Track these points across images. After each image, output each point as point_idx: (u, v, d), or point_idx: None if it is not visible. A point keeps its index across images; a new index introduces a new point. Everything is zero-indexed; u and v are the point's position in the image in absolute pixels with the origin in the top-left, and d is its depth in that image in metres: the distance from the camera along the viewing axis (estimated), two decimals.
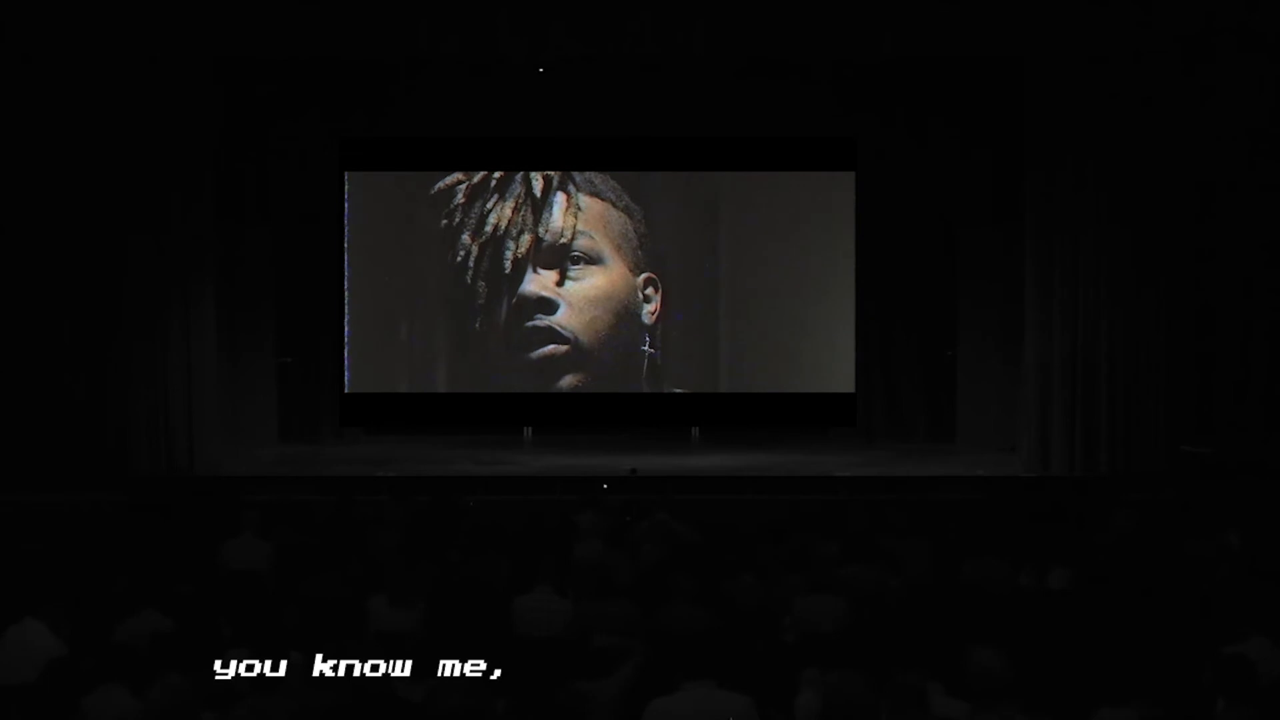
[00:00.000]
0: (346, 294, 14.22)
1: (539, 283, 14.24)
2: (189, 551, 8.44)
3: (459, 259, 14.24)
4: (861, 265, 14.14)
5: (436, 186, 14.25)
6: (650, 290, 14.30)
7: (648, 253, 14.29)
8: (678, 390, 14.34)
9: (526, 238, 14.22)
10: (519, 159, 14.24)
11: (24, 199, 12.02)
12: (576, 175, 14.21)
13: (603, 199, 14.26)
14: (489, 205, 14.21)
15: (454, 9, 11.95)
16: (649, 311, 14.30)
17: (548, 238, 14.22)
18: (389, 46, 12.14)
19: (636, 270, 14.28)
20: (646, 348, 14.28)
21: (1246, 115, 12.20)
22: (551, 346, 14.24)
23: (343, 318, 14.22)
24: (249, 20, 11.88)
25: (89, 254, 12.02)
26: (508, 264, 14.22)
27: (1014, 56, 12.29)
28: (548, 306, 14.24)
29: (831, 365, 14.24)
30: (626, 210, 14.26)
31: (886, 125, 14.06)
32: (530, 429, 14.49)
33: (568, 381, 14.24)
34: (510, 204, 14.21)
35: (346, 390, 14.29)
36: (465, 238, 14.24)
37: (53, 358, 12.09)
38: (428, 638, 6.63)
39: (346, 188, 14.19)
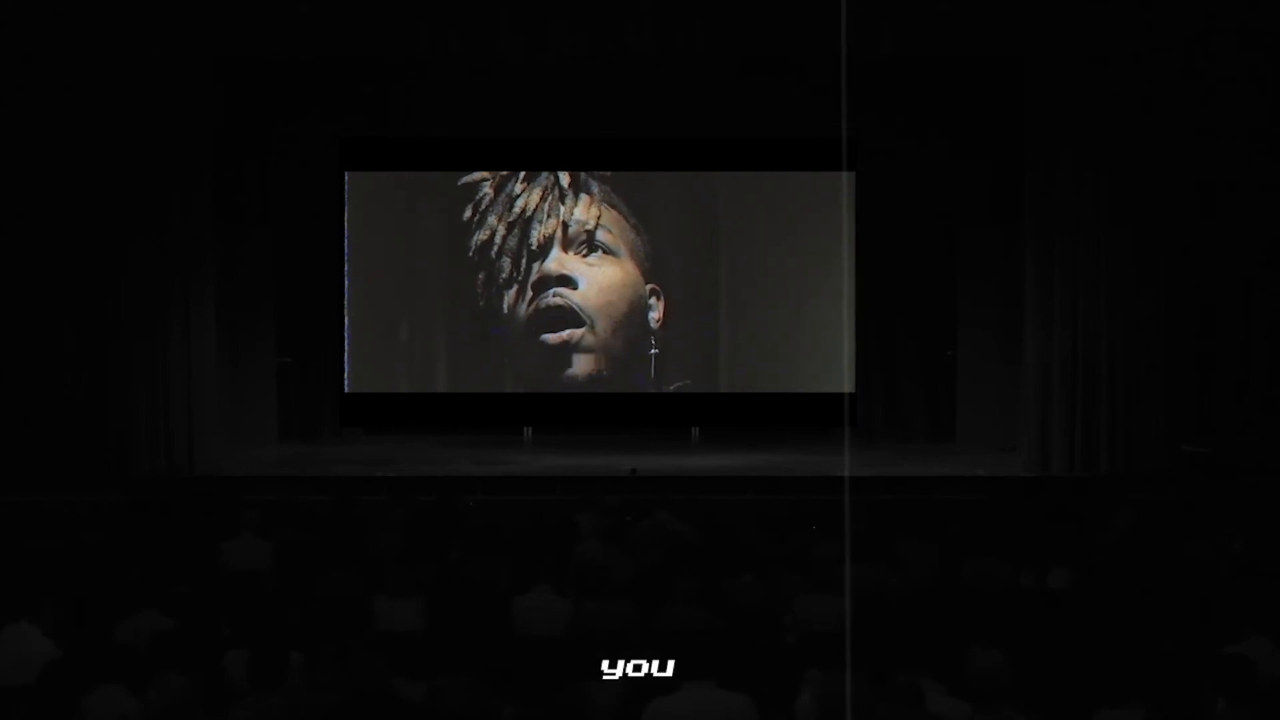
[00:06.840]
0: (346, 294, 14.22)
1: (562, 260, 14.33)
2: (189, 551, 8.43)
3: (485, 237, 14.29)
4: (861, 265, 14.11)
5: (462, 181, 14.31)
6: (654, 300, 14.33)
7: (653, 262, 14.34)
8: (677, 387, 14.34)
9: (552, 221, 14.31)
10: (518, 159, 14.24)
11: (24, 199, 12.00)
12: (595, 183, 14.27)
13: (617, 210, 14.33)
14: (517, 191, 14.32)
15: (454, 9, 11.95)
16: (654, 319, 14.33)
17: (574, 224, 14.29)
18: (389, 46, 12.14)
19: (645, 278, 14.32)
20: (653, 351, 14.31)
21: (1246, 115, 12.20)
22: (569, 331, 14.31)
23: (343, 318, 14.23)
24: (249, 20, 11.87)
25: (89, 254, 12.00)
26: (534, 242, 14.32)
27: (1014, 56, 12.29)
28: (569, 282, 14.31)
29: (831, 365, 14.24)
30: (635, 228, 14.33)
31: (886, 125, 14.02)
32: (530, 429, 14.49)
33: (581, 367, 14.28)
34: (538, 192, 14.30)
35: (346, 390, 14.28)
36: (492, 219, 14.28)
37: (53, 358, 12.07)
38: (428, 637, 6.63)
39: (346, 188, 14.20)
